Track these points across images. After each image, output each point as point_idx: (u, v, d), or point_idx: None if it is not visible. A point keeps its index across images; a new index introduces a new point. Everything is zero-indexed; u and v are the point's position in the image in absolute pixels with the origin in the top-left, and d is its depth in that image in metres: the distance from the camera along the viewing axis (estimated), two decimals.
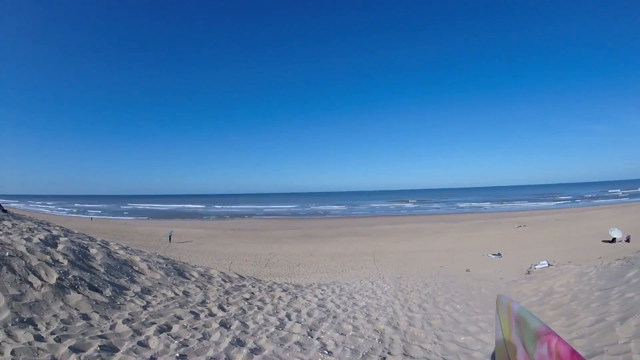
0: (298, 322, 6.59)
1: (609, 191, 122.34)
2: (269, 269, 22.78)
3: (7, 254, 6.33)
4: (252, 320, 6.48)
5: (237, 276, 10.63)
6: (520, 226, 40.79)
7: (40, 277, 6.09)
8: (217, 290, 8.35)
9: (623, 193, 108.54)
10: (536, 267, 14.79)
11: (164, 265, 9.17)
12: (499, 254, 24.17)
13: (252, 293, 8.59)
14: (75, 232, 10.64)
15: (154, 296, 7.04)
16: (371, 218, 67.29)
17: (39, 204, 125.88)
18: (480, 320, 7.38)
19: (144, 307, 6.33)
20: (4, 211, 9.35)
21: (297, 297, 8.73)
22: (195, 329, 5.67)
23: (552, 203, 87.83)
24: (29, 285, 5.77)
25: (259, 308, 7.30)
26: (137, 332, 5.27)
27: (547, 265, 14.69)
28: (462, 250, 26.74)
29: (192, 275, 9.27)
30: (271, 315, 6.85)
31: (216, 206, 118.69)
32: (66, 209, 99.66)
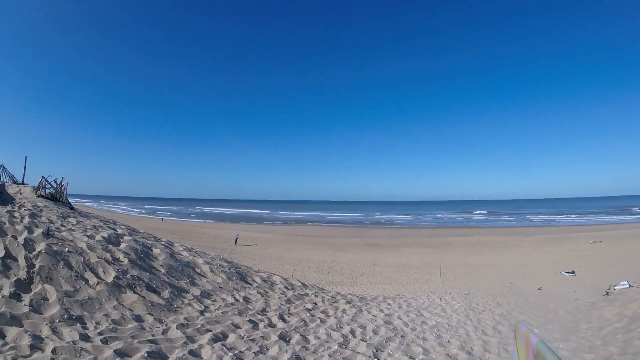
0: (363, 340, 5.53)
1: None
2: (332, 277, 21.85)
3: (66, 249, 6.18)
4: (314, 335, 5.54)
5: (299, 284, 9.84)
6: (595, 242, 35.22)
7: (97, 275, 5.80)
8: (279, 298, 7.60)
9: None
10: (616, 288, 13.25)
11: (227, 269, 8.68)
12: (573, 272, 21.01)
13: (315, 304, 7.69)
14: (141, 231, 10.69)
15: (213, 300, 6.45)
16: (437, 229, 63.42)
17: (111, 204, 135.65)
18: (562, 349, 6.20)
19: (202, 312, 5.73)
20: (71, 208, 9.60)
21: (361, 310, 7.68)
22: (253, 340, 4.88)
23: (630, 217, 76.32)
24: (84, 282, 5.47)
25: (322, 321, 6.36)
26: (191, 339, 4.62)
27: (628, 286, 13.14)
28: (533, 267, 24.26)
29: (254, 281, 8.67)
30: (334, 330, 5.87)
31: (280, 212, 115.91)
32: (137, 210, 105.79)
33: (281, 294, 8.01)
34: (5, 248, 5.65)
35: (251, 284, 8.27)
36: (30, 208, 8.21)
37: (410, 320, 7.33)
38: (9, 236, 6.08)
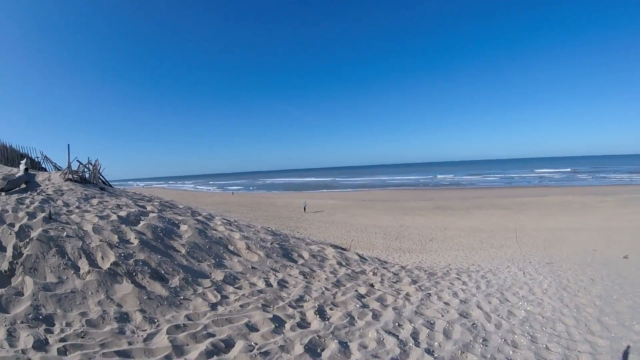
0: (429, 353, 3.78)
1: None
2: (399, 242, 20.60)
3: (64, 234, 5.34)
4: (359, 341, 3.85)
5: (357, 257, 8.26)
6: None
7: (92, 262, 4.87)
8: (326, 279, 6.08)
9: None
10: None
11: (269, 244, 7.39)
12: None
13: (372, 285, 6.06)
14: (180, 206, 9.93)
15: (237, 287, 5.15)
16: (510, 189, 59.31)
17: (179, 184, 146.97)
18: None
19: (214, 306, 4.44)
20: (102, 189, 9.20)
21: (430, 295, 5.84)
22: (266, 354, 3.45)
23: None
24: (73, 272, 4.55)
25: (375, 316, 4.64)
26: (177, 351, 3.34)
27: None
28: (618, 231, 21.06)
29: (301, 257, 7.27)
30: (389, 334, 4.12)
31: (345, 178, 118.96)
32: (207, 187, 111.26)
33: (331, 273, 6.51)
34: None
35: (296, 261, 6.89)
36: (50, 193, 7.85)
37: (492, 310, 5.38)
38: (4, 224, 5.32)
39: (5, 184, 7.49)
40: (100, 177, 10.55)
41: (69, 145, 9.85)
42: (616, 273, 9.29)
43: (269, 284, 5.38)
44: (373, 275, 6.93)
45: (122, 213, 6.86)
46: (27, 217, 5.77)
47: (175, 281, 4.88)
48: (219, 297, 4.69)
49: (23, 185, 8.06)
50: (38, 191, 7.80)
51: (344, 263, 7.48)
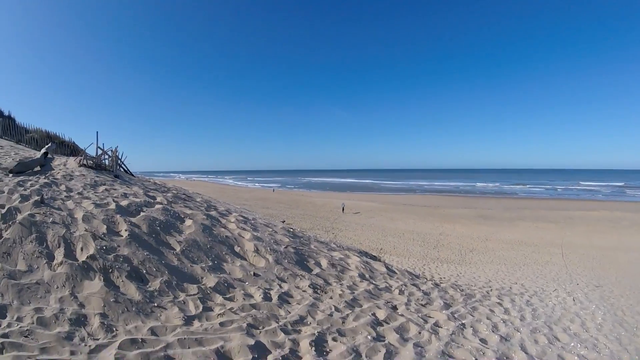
0: None
1: None
2: (438, 251, 19.91)
3: (50, 219, 4.95)
4: None
5: (384, 270, 7.27)
6: None
7: (69, 252, 4.42)
8: (341, 295, 5.18)
9: None
10: None
11: (282, 248, 6.61)
12: None
13: (394, 308, 5.09)
14: (198, 200, 9.42)
15: (227, 298, 4.42)
16: (558, 201, 57.38)
17: (219, 178, 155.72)
18: None
19: (189, 320, 3.73)
20: (116, 176, 9.23)
21: (464, 327, 4.79)
22: None
23: None
24: (45, 261, 4.13)
25: (389, 355, 3.72)
26: None
27: None
28: None
29: (318, 265, 6.42)
30: None
31: (386, 181, 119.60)
32: (248, 182, 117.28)
33: (348, 288, 5.60)
34: None
35: (310, 270, 6.05)
36: (57, 178, 7.75)
37: (539, 355, 4.29)
38: None
39: (14, 165, 7.30)
40: (121, 165, 10.34)
41: (97, 132, 9.97)
42: None
43: (267, 297, 4.58)
44: (399, 293, 5.96)
45: (124, 202, 6.44)
46: (19, 199, 5.53)
47: (155, 284, 4.25)
48: (200, 308, 3.98)
49: (37, 169, 7.87)
50: (46, 175, 7.63)
51: (367, 276, 6.54)
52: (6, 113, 19.57)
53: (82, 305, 3.58)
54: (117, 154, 10.07)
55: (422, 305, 5.53)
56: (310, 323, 4.06)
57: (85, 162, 9.30)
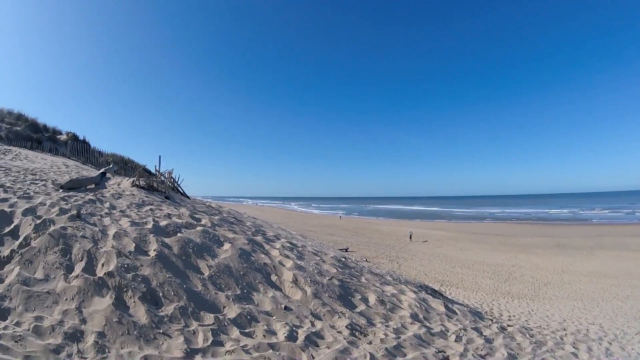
0: None
1: None
2: (509, 285, 18.98)
3: (80, 234, 4.88)
4: None
5: (442, 310, 6.29)
6: None
7: (89, 267, 4.35)
8: (383, 340, 4.40)
9: None
10: None
11: (325, 280, 5.99)
12: None
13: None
14: (248, 224, 9.20)
15: (245, 333, 3.93)
16: None
17: (285, 204, 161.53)
18: None
19: (190, 354, 3.33)
20: (167, 197, 9.34)
21: None
22: None
23: None
24: (63, 273, 4.13)
25: None
26: None
27: None
28: None
29: (365, 301, 5.67)
30: None
31: (456, 209, 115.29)
32: (318, 209, 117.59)
33: (395, 330, 4.79)
34: (16, 226, 5.00)
35: (353, 307, 5.35)
36: (105, 196, 8.09)
37: None
38: (32, 215, 5.24)
39: (67, 181, 7.68)
40: (176, 187, 10.66)
41: (160, 156, 10.57)
42: None
43: (292, 336, 3.98)
44: (455, 340, 5.02)
45: (164, 222, 6.41)
46: (57, 212, 5.77)
47: (168, 309, 3.91)
48: (210, 342, 3.54)
49: (91, 187, 8.25)
50: (95, 193, 8.01)
51: (421, 316, 5.66)
52: (81, 137, 21.98)
53: (84, 321, 3.42)
54: (172, 175, 10.34)
55: (481, 357, 4.55)
56: None
57: (137, 183, 9.73)
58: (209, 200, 21.07)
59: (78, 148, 19.19)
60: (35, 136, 19.77)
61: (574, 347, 6.41)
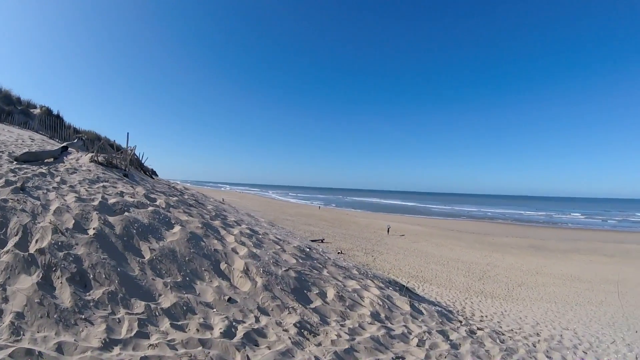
0: None
1: None
2: (483, 284, 19.27)
3: (20, 207, 4.86)
4: None
5: (407, 309, 6.20)
6: None
7: (23, 243, 4.12)
8: (334, 341, 4.19)
9: None
10: None
11: (281, 270, 5.78)
12: None
13: None
14: (209, 207, 8.96)
15: (177, 326, 3.75)
16: (618, 233, 55.82)
17: (270, 191, 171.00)
18: None
19: (109, 345, 3.19)
20: (125, 175, 9.07)
21: None
22: None
23: None
24: None
25: None
26: None
27: None
28: None
29: (322, 296, 5.48)
30: None
31: (434, 205, 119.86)
32: (296, 198, 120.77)
33: (350, 331, 4.62)
34: None
35: (308, 303, 5.18)
36: (59, 170, 7.71)
37: None
38: None
39: (22, 154, 7.52)
40: (141, 165, 10.42)
41: (128, 133, 10.44)
42: None
43: (230, 333, 3.77)
44: (417, 345, 4.88)
45: (112, 200, 6.23)
46: (3, 184, 5.50)
47: (97, 293, 3.73)
48: (133, 333, 3.35)
49: (49, 161, 8.20)
50: (49, 166, 7.73)
51: (382, 315, 5.51)
52: (55, 112, 21.50)
53: (6, 300, 3.27)
54: (134, 152, 10.20)
55: None
56: None
57: (96, 159, 9.44)
58: (178, 182, 20.78)
59: (50, 122, 18.58)
60: (7, 108, 19.16)
61: (547, 357, 6.33)
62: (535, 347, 6.79)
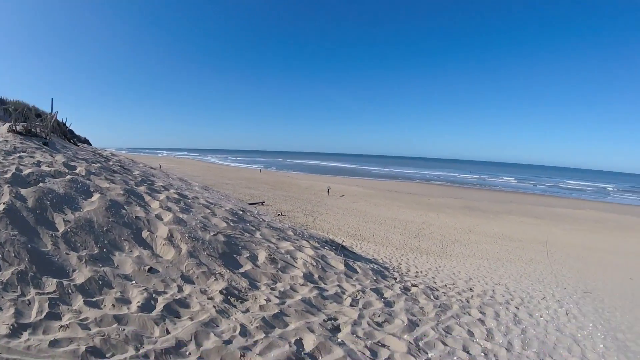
0: None
1: None
2: (418, 241, 20.03)
3: None
4: None
5: (342, 268, 6.53)
6: None
7: None
8: (263, 306, 4.35)
9: None
10: None
11: (208, 235, 5.77)
12: None
13: (335, 330, 4.24)
14: (135, 172, 8.76)
15: (89, 303, 3.73)
16: (548, 197, 60.77)
17: (209, 156, 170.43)
18: None
19: (15, 331, 3.10)
20: (45, 144, 8.50)
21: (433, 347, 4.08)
22: None
23: None
24: None
25: None
26: None
27: None
28: None
29: (253, 260, 5.60)
30: None
31: (375, 167, 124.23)
32: (237, 162, 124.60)
33: (281, 294, 4.79)
34: None
35: (237, 267, 5.26)
36: None
37: None
38: None
39: None
40: (65, 132, 9.74)
41: (52, 99, 9.84)
42: None
43: (149, 307, 3.75)
44: (351, 304, 5.13)
45: (27, 171, 5.80)
46: None
47: (5, 274, 3.69)
48: (44, 314, 3.24)
49: None
50: None
51: (315, 276, 5.75)
52: None
53: None
54: (55, 119, 9.59)
55: (377, 324, 4.70)
56: (189, 354, 3.18)
57: (14, 128, 8.77)
58: (113, 150, 19.53)
59: None
60: None
61: (480, 312, 6.54)
62: (468, 302, 7.06)
